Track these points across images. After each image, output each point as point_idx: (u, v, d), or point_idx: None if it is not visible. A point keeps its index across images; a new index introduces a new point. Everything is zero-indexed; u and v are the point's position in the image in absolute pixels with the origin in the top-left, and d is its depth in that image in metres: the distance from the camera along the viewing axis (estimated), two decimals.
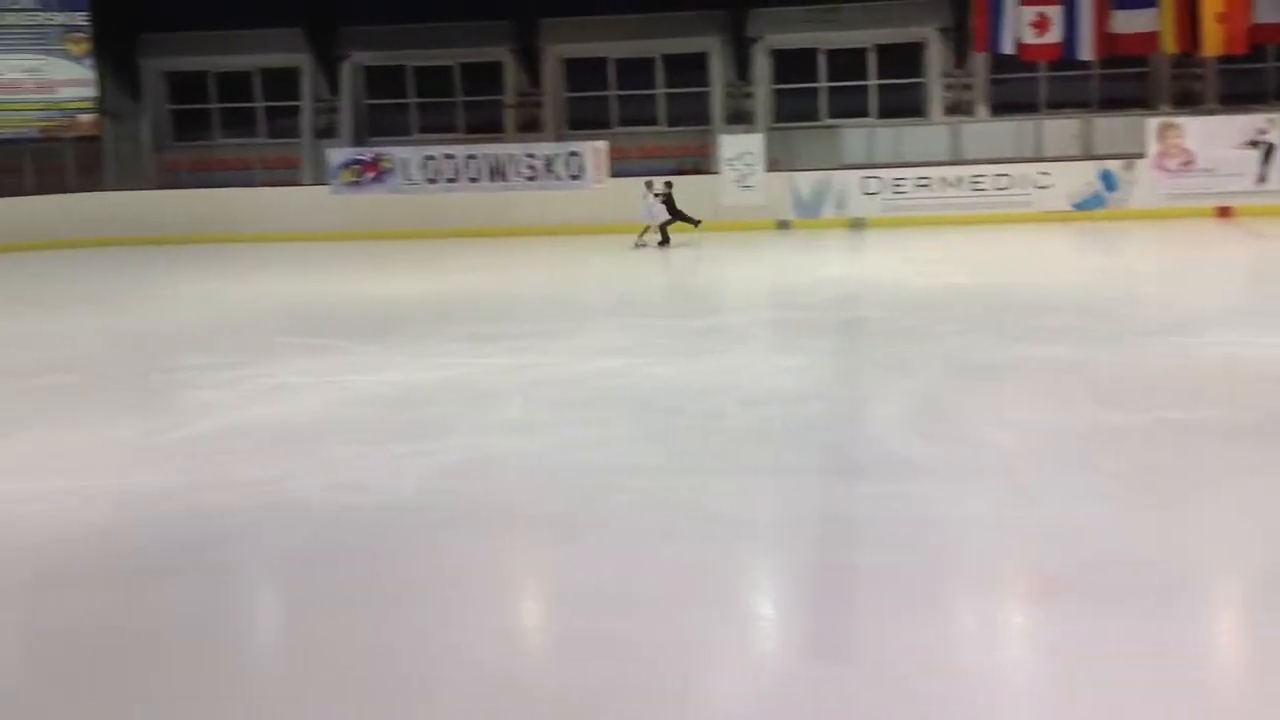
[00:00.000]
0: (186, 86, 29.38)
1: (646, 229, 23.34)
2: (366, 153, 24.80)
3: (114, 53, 28.18)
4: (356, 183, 24.30)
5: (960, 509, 8.51)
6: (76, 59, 27.16)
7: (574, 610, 7.28)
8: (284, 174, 28.35)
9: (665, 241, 23.20)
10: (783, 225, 25.63)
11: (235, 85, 29.26)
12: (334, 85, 28.71)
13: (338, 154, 24.83)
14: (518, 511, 9.10)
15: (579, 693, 6.22)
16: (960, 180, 25.33)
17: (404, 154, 24.27)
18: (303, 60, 28.64)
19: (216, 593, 7.81)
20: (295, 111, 28.94)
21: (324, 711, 6.18)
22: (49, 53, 26.91)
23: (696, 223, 23.47)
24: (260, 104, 29.33)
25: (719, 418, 11.21)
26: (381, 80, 29.18)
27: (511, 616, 7.40)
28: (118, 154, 28.31)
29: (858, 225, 25.33)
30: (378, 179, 24.21)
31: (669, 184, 23.67)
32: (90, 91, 27.41)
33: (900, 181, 25.48)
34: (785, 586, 7.64)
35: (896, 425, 10.77)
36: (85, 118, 27.41)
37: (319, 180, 26.67)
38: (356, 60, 28.84)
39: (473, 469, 9.96)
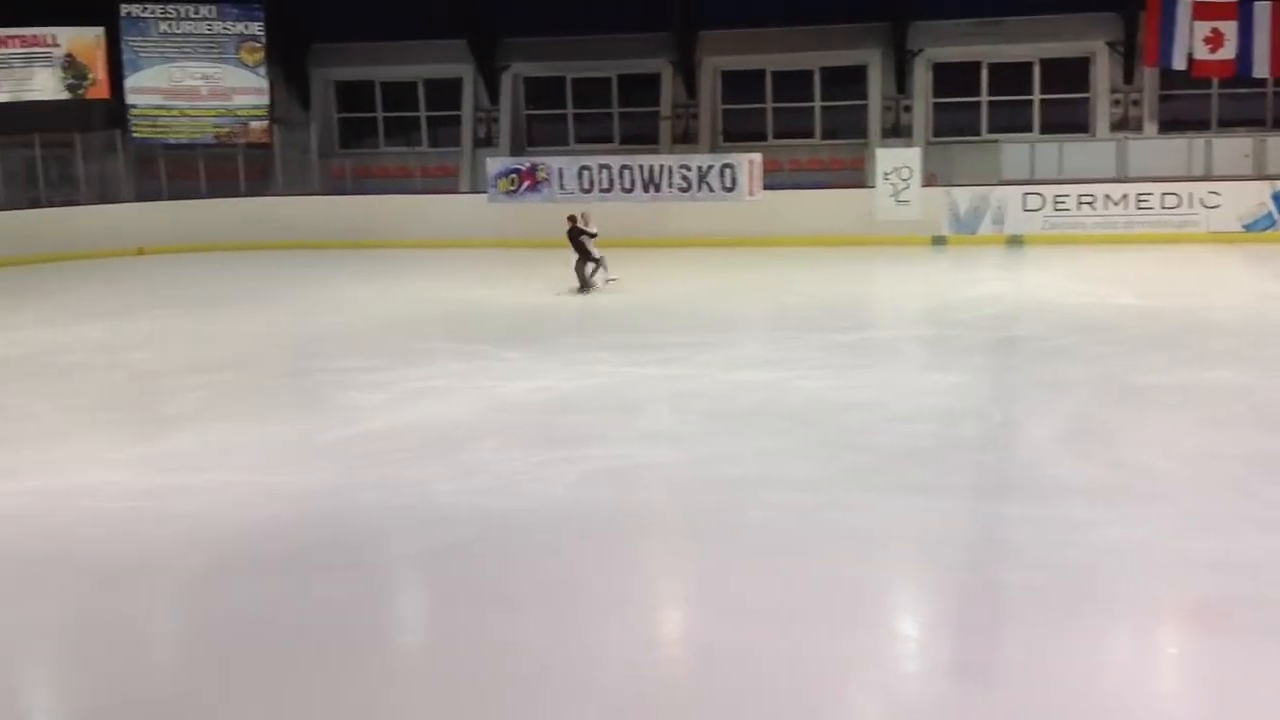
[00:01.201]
0: (353, 95, 30.19)
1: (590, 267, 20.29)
2: (523, 162, 25.16)
3: (286, 62, 29.11)
4: (513, 192, 24.67)
5: (1113, 534, 8.26)
6: (251, 68, 28.13)
7: (712, 622, 7.26)
8: (443, 182, 28.94)
9: (584, 286, 20.00)
10: (938, 241, 25.23)
11: (400, 95, 29.97)
12: (494, 95, 29.21)
13: (495, 163, 25.25)
14: (661, 521, 9.12)
15: (713, 704, 6.20)
16: (1125, 198, 24.63)
17: (560, 164, 24.58)
18: (465, 71, 29.20)
19: (365, 589, 7.99)
20: (456, 121, 29.52)
21: (460, 709, 6.27)
22: (225, 61, 27.94)
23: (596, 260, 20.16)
24: (423, 113, 29.98)
25: (867, 433, 11.07)
26: (540, 91, 29.58)
27: (649, 625, 7.41)
28: (286, 160, 29.21)
29: (1016, 242, 24.81)
30: (533, 188, 24.55)
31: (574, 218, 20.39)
32: (263, 99, 28.35)
33: (1062, 198, 24.87)
34: (928, 606, 7.51)
35: (1050, 446, 10.51)
36: (257, 125, 28.36)
37: (477, 189, 27.13)
38: (517, 71, 29.30)
39: (617, 478, 10.01)
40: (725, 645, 6.83)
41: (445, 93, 29.60)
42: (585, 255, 19.95)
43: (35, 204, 26.62)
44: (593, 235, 19.92)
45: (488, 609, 7.49)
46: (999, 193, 25.20)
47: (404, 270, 22.48)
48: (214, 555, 8.54)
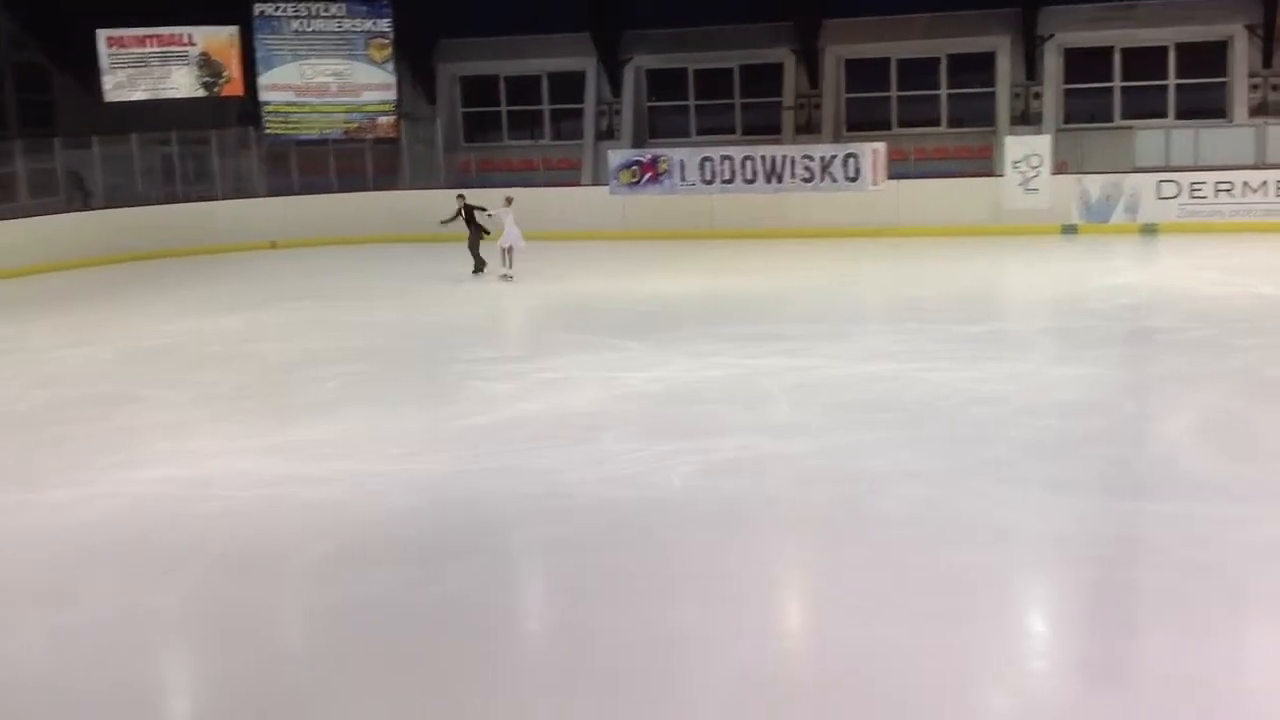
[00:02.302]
0: (478, 90, 30.56)
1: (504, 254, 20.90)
2: (645, 154, 25.22)
3: (413, 58, 29.57)
4: (634, 183, 24.76)
5: (1250, 532, 8.03)
6: (379, 64, 28.64)
7: (836, 616, 7.22)
8: (565, 174, 29.15)
9: (479, 268, 21.20)
10: (1068, 230, 24.71)
11: (524, 88, 30.26)
12: (616, 88, 29.33)
13: (617, 155, 25.35)
14: (784, 514, 9.09)
15: (835, 697, 6.18)
16: (1265, 185, 23.85)
17: (681, 155, 24.60)
18: (588, 64, 29.36)
19: (494, 577, 8.10)
20: (579, 114, 29.70)
21: (584, 696, 6.33)
22: (354, 58, 28.49)
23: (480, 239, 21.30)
24: (546, 106, 30.22)
25: (995, 426, 10.91)
26: (662, 83, 29.63)
27: (773, 618, 7.40)
28: (412, 154, 29.69)
29: (1150, 230, 24.19)
30: (655, 180, 24.60)
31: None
32: (390, 95, 28.85)
33: (1199, 185, 24.19)
34: (1058, 603, 7.38)
35: (1187, 441, 10.24)
36: (385, 120, 28.86)
37: (599, 181, 27.29)
38: (639, 63, 29.38)
39: (739, 469, 10.00)
40: (850, 639, 6.80)
41: (568, 86, 29.80)
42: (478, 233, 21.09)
43: (173, 199, 27.41)
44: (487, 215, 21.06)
45: (614, 599, 7.54)
46: (1132, 180, 24.59)
47: (529, 262, 22.71)
48: (346, 543, 8.72)
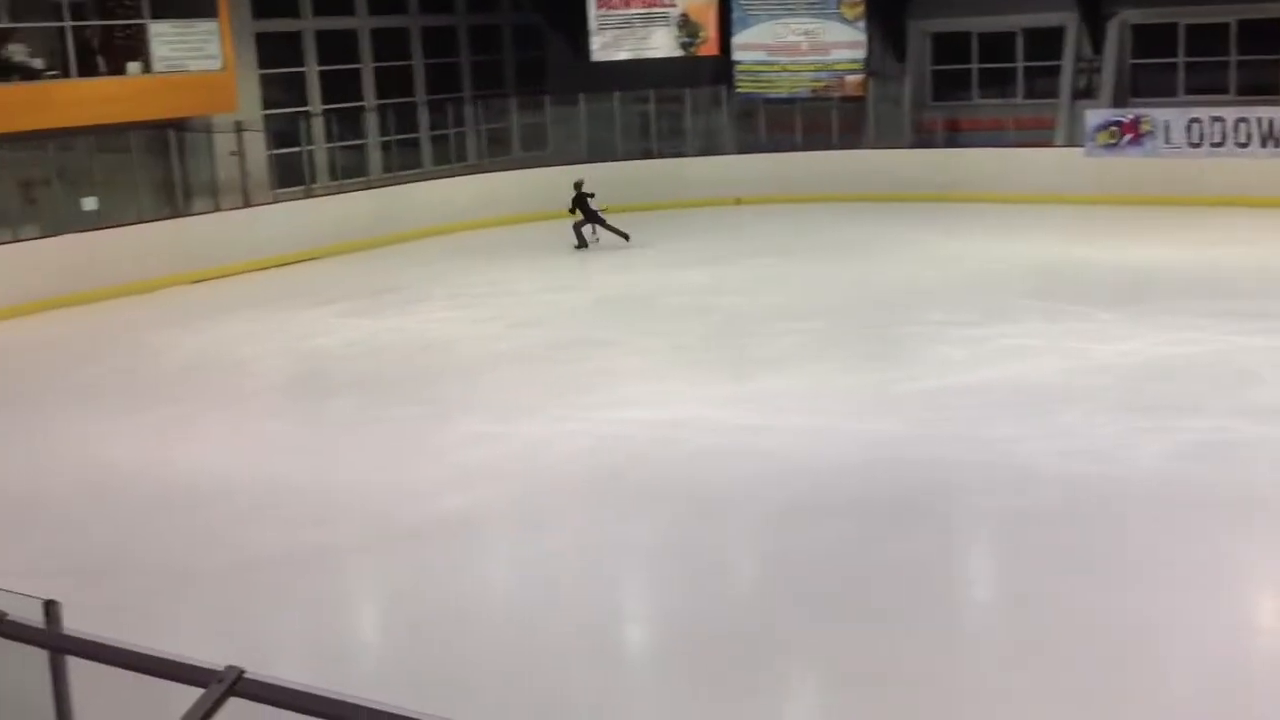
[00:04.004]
0: (949, 47, 29.96)
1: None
2: (1126, 114, 23.86)
3: (885, 15, 29.37)
4: (1113, 145, 23.49)
5: None
6: (850, 22, 28.64)
7: None
8: (1037, 135, 28.09)
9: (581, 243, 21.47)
10: None
11: (996, 45, 29.37)
12: (1097, 45, 27.89)
13: (1095, 115, 24.11)
14: (1262, 503, 8.46)
15: None
16: None
17: (1166, 116, 23.08)
18: (1069, 19, 28.07)
19: (940, 541, 8.07)
20: (1054, 72, 28.51)
21: (1030, 671, 6.20)
22: (826, 16, 28.62)
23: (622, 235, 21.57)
24: (1020, 64, 29.22)
25: None
26: (1149, 39, 27.88)
27: (1247, 614, 6.94)
28: (878, 113, 29.55)
29: None
30: (1135, 142, 23.24)
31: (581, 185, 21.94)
32: (860, 53, 28.78)
33: None
34: None
35: None
36: (853, 78, 28.85)
37: (1073, 142, 26.11)
38: (1125, 18, 27.79)
39: (1214, 452, 9.40)
40: None
41: (1045, 43, 28.63)
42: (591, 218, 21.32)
43: (648, 155, 28.68)
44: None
45: (1064, 574, 7.34)
46: None
47: (993, 225, 22.12)
48: (794, 495, 8.93)
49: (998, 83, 29.85)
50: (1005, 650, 6.62)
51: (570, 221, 21.50)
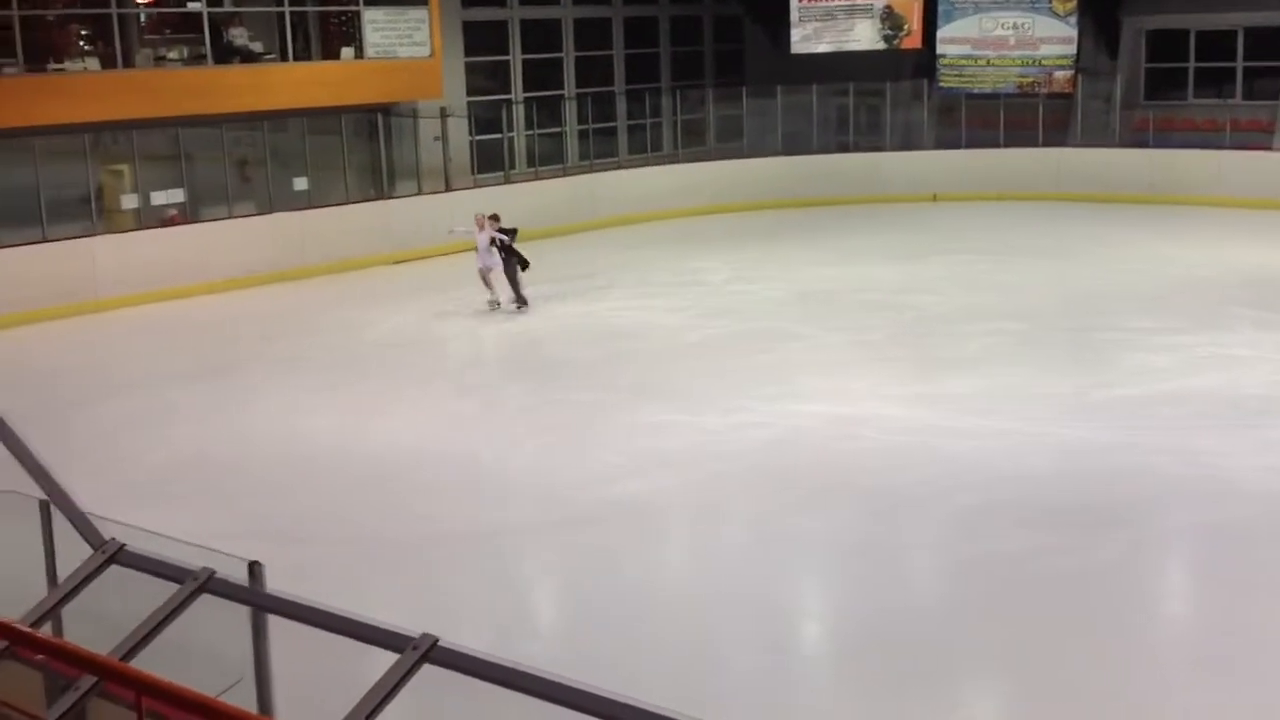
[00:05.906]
0: (1164, 44, 28.86)
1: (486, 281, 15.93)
2: None
3: (1098, 11, 28.46)
4: None
5: None
6: (1062, 16, 27.85)
7: None
8: (1256, 137, 26.86)
9: (520, 301, 15.80)
10: None
11: (1215, 44, 28.18)
12: None
13: None
14: None
15: None
16: None
17: None
18: None
19: (1136, 555, 7.80)
20: (1276, 73, 27.22)
21: (1218, 691, 5.95)
22: (1037, 11, 27.89)
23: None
24: (1240, 63, 27.97)
25: None
26: None
27: None
28: (1086, 111, 28.65)
29: None
30: None
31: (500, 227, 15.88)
32: (1070, 49, 27.97)
33: None
34: None
35: None
36: (1061, 74, 28.05)
37: None
38: None
39: None
40: None
41: (1268, 41, 27.36)
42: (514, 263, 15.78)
43: (844, 149, 28.38)
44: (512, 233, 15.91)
45: (1261, 593, 7.01)
46: None
47: (1206, 229, 21.23)
48: (980, 499, 8.74)
49: (1215, 82, 28.67)
50: (1193, 668, 6.37)
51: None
